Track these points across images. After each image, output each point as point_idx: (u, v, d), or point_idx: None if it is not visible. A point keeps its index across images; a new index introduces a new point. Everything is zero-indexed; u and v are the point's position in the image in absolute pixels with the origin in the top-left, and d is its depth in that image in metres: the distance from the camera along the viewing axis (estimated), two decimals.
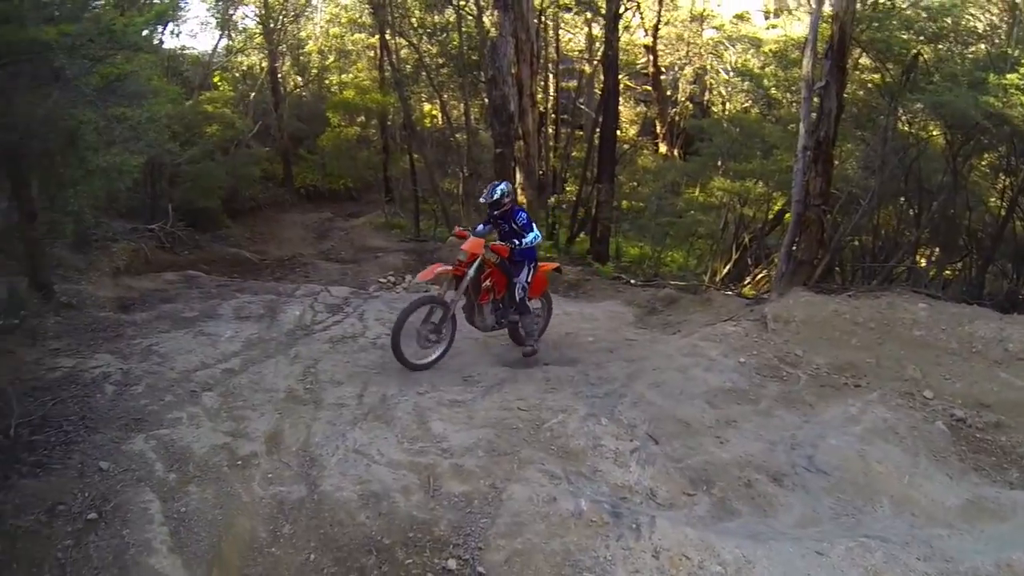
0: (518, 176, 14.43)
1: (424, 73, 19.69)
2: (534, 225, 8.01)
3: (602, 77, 17.79)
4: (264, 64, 23.37)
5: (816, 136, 9.91)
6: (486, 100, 18.95)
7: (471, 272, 7.63)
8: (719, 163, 15.48)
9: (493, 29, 15.93)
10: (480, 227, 8.28)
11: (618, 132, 18.45)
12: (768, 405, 7.05)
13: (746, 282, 14.13)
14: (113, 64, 7.29)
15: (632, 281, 13.35)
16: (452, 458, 5.71)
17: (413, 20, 19.81)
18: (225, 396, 6.65)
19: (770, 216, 15.14)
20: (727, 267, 14.38)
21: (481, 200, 8.06)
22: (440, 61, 19.84)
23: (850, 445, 6.18)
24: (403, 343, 7.37)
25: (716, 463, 5.97)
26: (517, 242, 7.79)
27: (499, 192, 7.86)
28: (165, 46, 18.19)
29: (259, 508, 5.14)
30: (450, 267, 7.84)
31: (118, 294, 10.68)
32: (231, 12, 22.39)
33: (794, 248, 10.28)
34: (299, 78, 25.64)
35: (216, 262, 14.92)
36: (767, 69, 20.15)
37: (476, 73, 18.43)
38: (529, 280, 8.11)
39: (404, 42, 20.22)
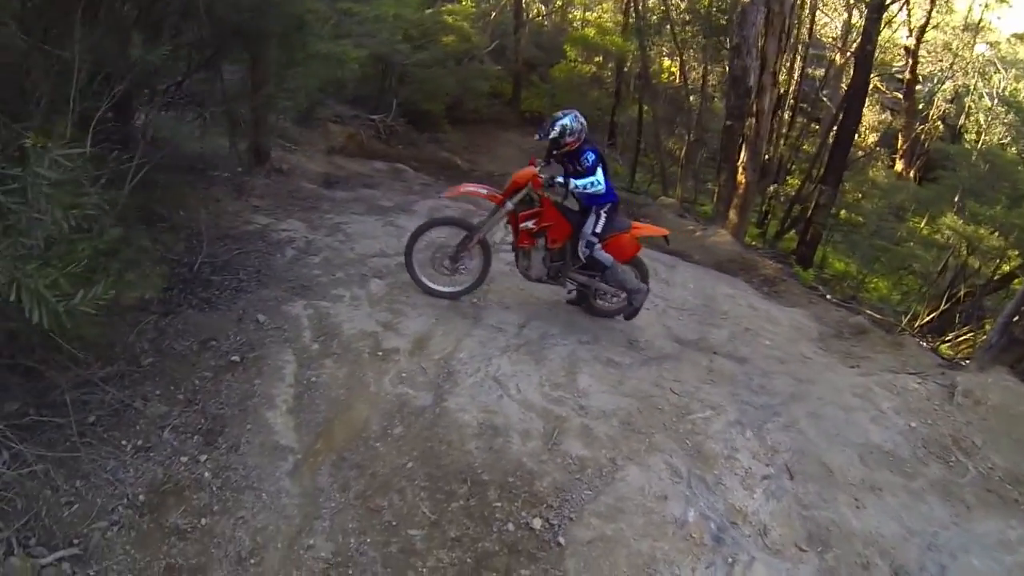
0: (743, 154, 13.45)
1: (668, 27, 18.88)
2: (603, 172, 6.24)
3: (851, 71, 16.42)
4: None
5: None
6: (726, 68, 18.05)
7: (509, 203, 6.41)
8: (956, 198, 13.84)
9: None
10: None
11: (855, 136, 16.97)
12: (922, 486, 6.03)
13: (946, 338, 12.63)
14: None
15: (828, 296, 12.25)
16: (585, 418, 5.37)
17: None
18: (391, 288, 6.63)
19: (996, 275, 13.30)
20: (931, 315, 12.89)
21: (537, 137, 6.45)
22: (687, 18, 19.01)
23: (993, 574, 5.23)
24: (416, 262, 6.50)
25: (843, 527, 5.22)
26: (562, 180, 6.22)
27: (558, 129, 6.20)
28: None
29: (381, 402, 5.09)
30: (484, 190, 6.68)
31: (326, 170, 11.02)
32: None
33: (1015, 320, 8.94)
34: (543, 7, 25.35)
35: (427, 162, 14.96)
36: None
37: (721, 38, 17.54)
38: (598, 232, 6.47)
39: None
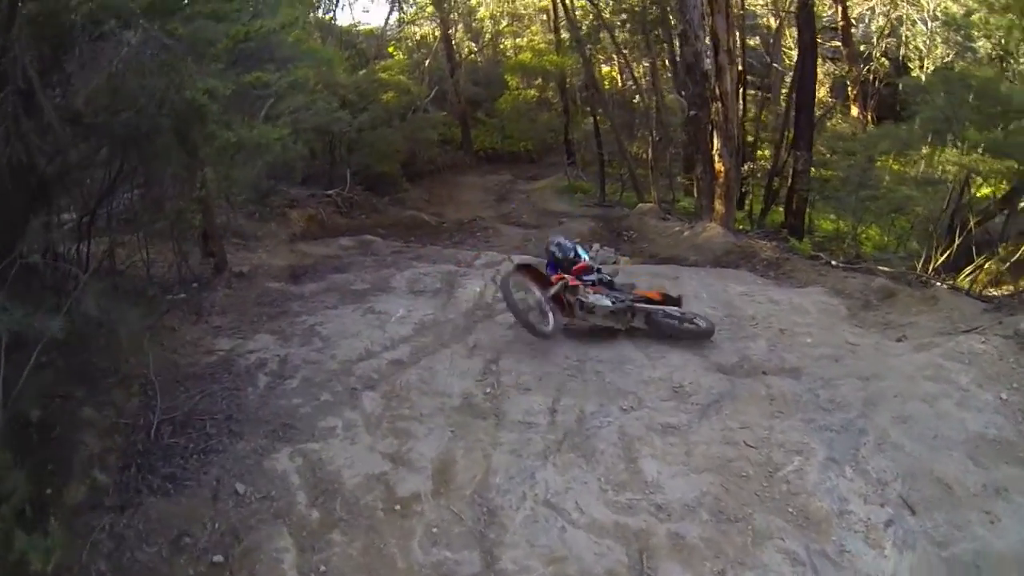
0: (715, 141, 12.50)
1: (603, 33, 18.03)
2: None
3: (787, 32, 15.47)
4: (437, 32, 22.70)
5: None
6: (665, 61, 17.29)
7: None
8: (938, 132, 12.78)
9: None
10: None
11: (815, 94, 16.04)
12: None
13: (967, 274, 11.56)
14: (242, 23, 5.86)
15: (833, 263, 11.32)
16: (669, 521, 4.29)
17: None
18: (389, 399, 5.45)
19: (999, 195, 12.22)
20: (945, 254, 11.79)
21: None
22: (620, 19, 18.10)
23: None
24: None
25: (988, 555, 4.32)
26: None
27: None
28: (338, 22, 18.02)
29: None
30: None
31: (291, 262, 9.85)
32: None
33: None
34: (473, 44, 24.92)
35: (393, 225, 14.16)
36: (974, 17, 17.42)
37: (657, 31, 16.82)
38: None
39: (580, 1, 18.71)
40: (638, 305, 6.97)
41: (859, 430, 5.33)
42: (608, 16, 18.00)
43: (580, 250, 7.60)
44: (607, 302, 6.83)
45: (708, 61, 12.17)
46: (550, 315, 6.72)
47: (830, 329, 7.78)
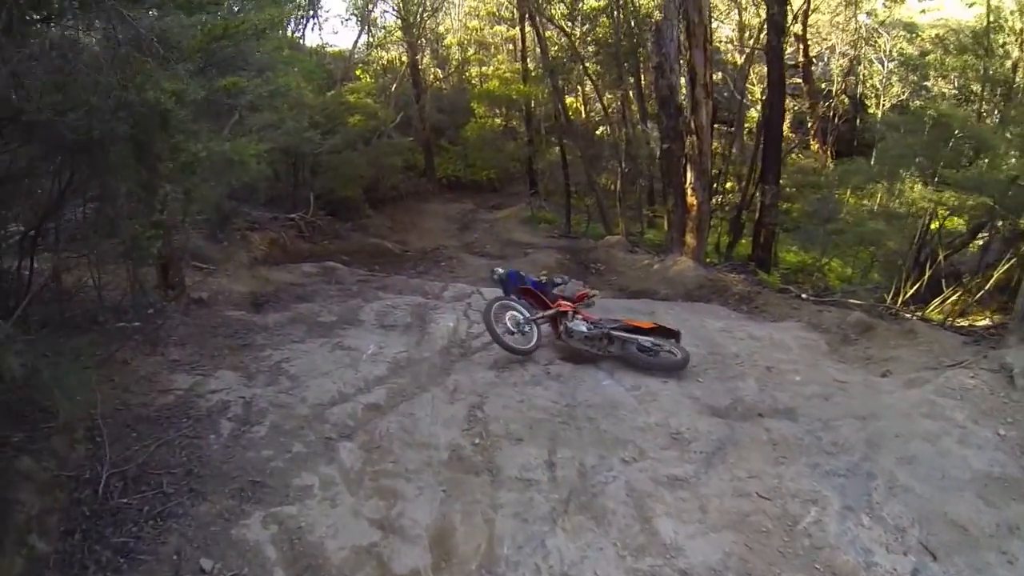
0: (689, 175, 12.27)
1: (576, 63, 17.92)
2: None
3: (753, 68, 15.84)
4: (404, 58, 22.40)
5: None
6: (630, 94, 17.16)
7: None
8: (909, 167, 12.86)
9: (657, 12, 13.85)
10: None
11: (783, 129, 16.07)
12: None
13: (935, 305, 11.54)
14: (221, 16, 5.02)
15: (804, 296, 11.24)
16: None
17: (560, 6, 18.21)
18: (368, 450, 4.81)
19: (964, 229, 12.31)
20: (915, 287, 11.75)
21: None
22: (591, 49, 18.11)
23: None
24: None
25: None
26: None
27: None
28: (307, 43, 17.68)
29: None
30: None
31: (252, 288, 9.25)
32: (371, 8, 21.93)
33: None
34: (439, 71, 24.79)
35: (356, 252, 13.79)
36: (929, 57, 18.36)
37: (627, 64, 16.70)
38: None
39: (549, 31, 18.48)
40: (615, 333, 6.99)
41: (867, 474, 5.10)
42: (580, 47, 17.85)
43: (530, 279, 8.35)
44: (583, 328, 6.99)
45: (686, 95, 12.02)
46: (534, 334, 6.97)
47: (815, 366, 7.58)
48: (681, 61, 12.19)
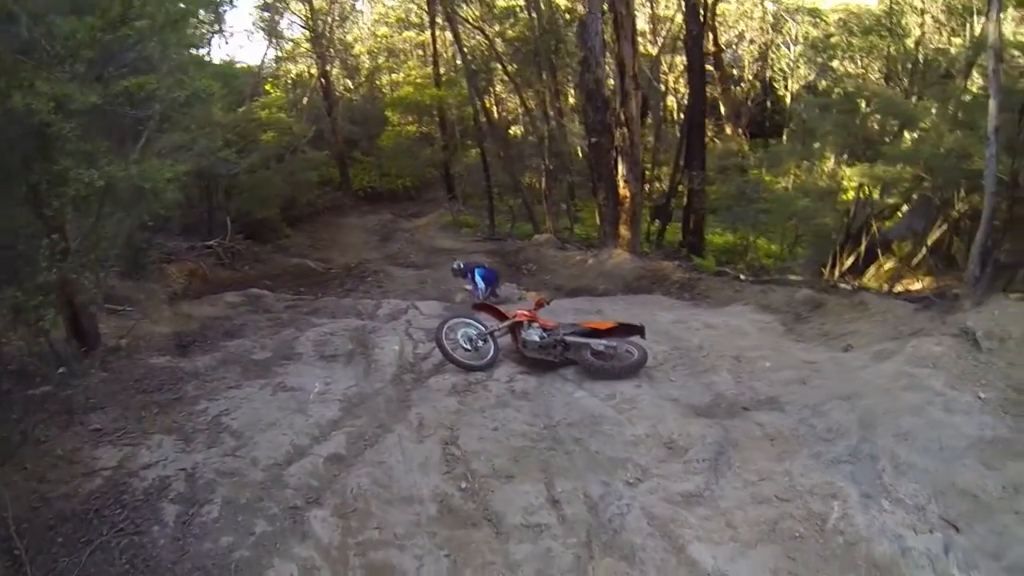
0: (621, 167, 12.03)
1: (494, 63, 17.71)
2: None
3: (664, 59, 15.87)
4: (314, 70, 21.74)
5: None
6: (547, 93, 16.91)
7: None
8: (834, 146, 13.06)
9: (580, 7, 13.64)
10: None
11: (705, 116, 16.16)
12: None
13: (870, 274, 11.66)
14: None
15: (742, 277, 11.29)
16: None
17: (472, 8, 17.80)
18: (345, 517, 4.11)
19: (888, 200, 12.65)
20: (850, 258, 11.85)
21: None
22: (503, 47, 17.66)
23: None
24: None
25: None
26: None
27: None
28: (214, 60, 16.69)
29: None
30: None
31: (175, 328, 8.33)
32: (277, 20, 21.17)
33: (990, 246, 8.09)
34: (349, 82, 24.11)
35: (279, 275, 13.11)
36: (833, 40, 18.99)
37: (552, 59, 16.36)
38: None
39: (463, 33, 17.98)
40: (569, 338, 6.72)
41: (869, 456, 5.02)
42: (497, 47, 17.49)
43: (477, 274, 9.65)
44: (535, 336, 6.82)
45: (614, 87, 11.89)
46: (490, 347, 6.91)
47: (779, 349, 7.48)
48: (607, 54, 11.98)
